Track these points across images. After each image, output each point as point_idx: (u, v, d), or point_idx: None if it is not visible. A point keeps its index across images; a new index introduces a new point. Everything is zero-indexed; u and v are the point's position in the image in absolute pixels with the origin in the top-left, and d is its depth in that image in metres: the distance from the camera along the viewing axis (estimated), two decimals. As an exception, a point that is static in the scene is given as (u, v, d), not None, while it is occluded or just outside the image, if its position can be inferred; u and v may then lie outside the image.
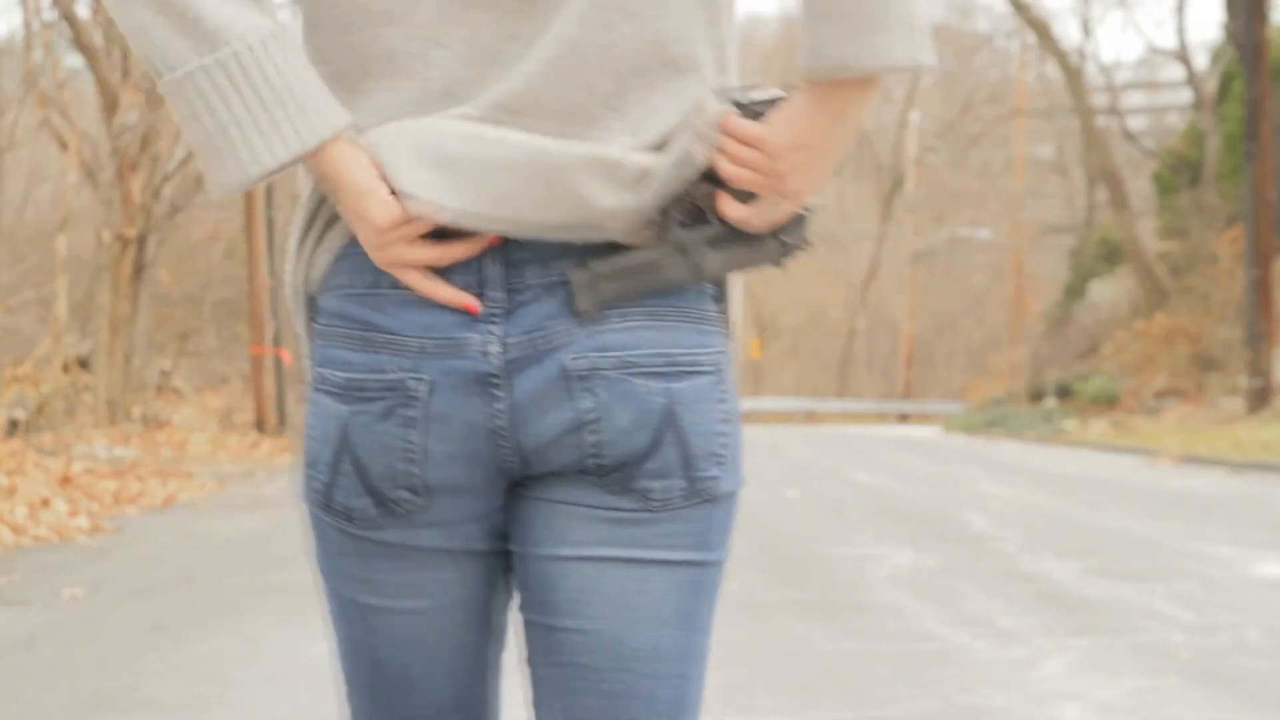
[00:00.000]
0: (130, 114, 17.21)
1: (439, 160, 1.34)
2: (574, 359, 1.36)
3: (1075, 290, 33.67)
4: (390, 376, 1.38)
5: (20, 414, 14.25)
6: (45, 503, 9.12)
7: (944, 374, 52.66)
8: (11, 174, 19.33)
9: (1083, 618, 5.89)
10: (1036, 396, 29.69)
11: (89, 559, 7.61)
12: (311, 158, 1.34)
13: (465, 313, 1.37)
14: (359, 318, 1.39)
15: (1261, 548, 8.34)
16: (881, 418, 45.99)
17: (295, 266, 1.45)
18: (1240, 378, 22.40)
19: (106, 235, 17.32)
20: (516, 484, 1.44)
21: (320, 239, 1.43)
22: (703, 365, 1.41)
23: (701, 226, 1.39)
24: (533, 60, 1.35)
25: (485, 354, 1.37)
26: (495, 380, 1.37)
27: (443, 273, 1.37)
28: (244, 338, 22.15)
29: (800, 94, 1.34)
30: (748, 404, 43.95)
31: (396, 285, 1.38)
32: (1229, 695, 4.55)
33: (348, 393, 1.40)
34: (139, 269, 18.02)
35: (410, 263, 1.35)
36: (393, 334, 1.38)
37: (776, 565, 7.43)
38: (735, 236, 1.41)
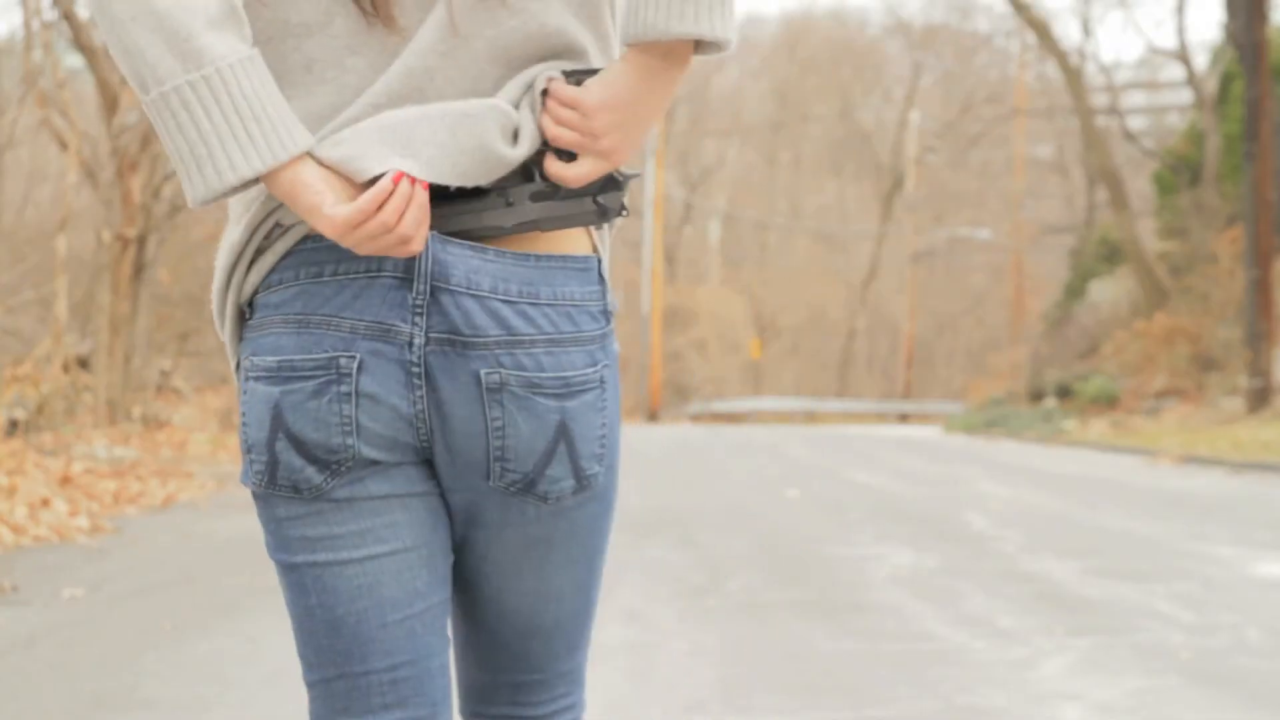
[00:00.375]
0: (130, 114, 17.21)
1: (386, 136, 1.51)
2: (488, 373, 1.56)
3: (1075, 290, 33.67)
4: (322, 355, 1.54)
5: (20, 414, 14.25)
6: (45, 503, 9.12)
7: (944, 374, 52.67)
8: (11, 174, 19.34)
9: (1083, 618, 5.89)
10: (1036, 396, 29.69)
11: (89, 559, 7.62)
12: (276, 174, 1.49)
13: (396, 303, 1.54)
14: (296, 306, 1.56)
15: (1261, 548, 8.34)
16: (881, 418, 45.98)
17: (224, 291, 1.65)
18: (1240, 378, 22.40)
19: (106, 235, 17.33)
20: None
21: (251, 264, 1.61)
22: (590, 383, 1.61)
23: (528, 183, 1.55)
24: (432, 55, 1.53)
25: (410, 343, 1.54)
26: (415, 368, 1.55)
27: (378, 266, 1.54)
28: (244, 338, 22.14)
29: (618, 61, 1.53)
30: (748, 404, 43.98)
31: (337, 274, 1.55)
32: (1229, 695, 4.55)
33: (278, 374, 1.56)
34: (139, 269, 18.01)
35: (353, 239, 1.50)
36: (328, 315, 1.55)
37: (776, 565, 7.44)
38: (555, 193, 1.56)
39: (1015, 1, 31.50)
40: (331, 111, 1.54)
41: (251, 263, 1.62)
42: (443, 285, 1.54)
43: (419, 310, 1.54)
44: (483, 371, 1.55)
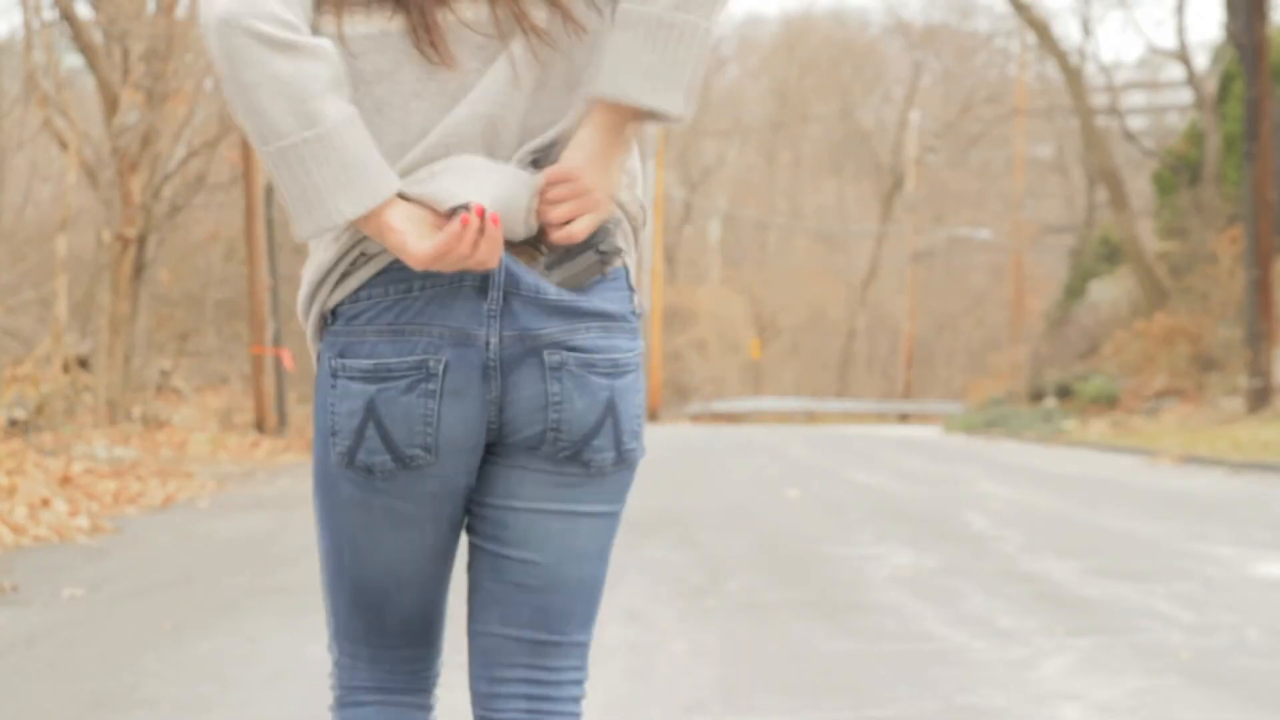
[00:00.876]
0: (130, 114, 17.21)
1: (472, 184, 1.78)
2: (549, 354, 1.83)
3: (1075, 290, 33.66)
4: (415, 358, 1.81)
5: (20, 414, 14.25)
6: (45, 503, 9.11)
7: (944, 374, 52.65)
8: (11, 174, 19.33)
9: (1083, 618, 5.89)
10: (1036, 396, 29.69)
11: (89, 559, 7.61)
12: (370, 214, 1.76)
13: (476, 312, 1.81)
14: (389, 318, 1.82)
15: (1261, 548, 8.34)
16: (881, 418, 45.97)
17: (309, 301, 1.89)
18: (1240, 378, 22.40)
19: (106, 235, 17.32)
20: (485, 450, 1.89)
21: (339, 282, 1.86)
22: (632, 365, 1.89)
23: (539, 257, 1.84)
24: (496, 102, 1.80)
25: (487, 345, 1.82)
26: (492, 365, 1.82)
27: (460, 278, 1.80)
28: (244, 338, 22.14)
29: (584, 123, 1.79)
30: (748, 404, 43.97)
31: (425, 287, 1.81)
32: (1229, 695, 4.55)
33: (374, 375, 1.83)
34: (139, 269, 18.01)
35: (437, 267, 1.76)
36: (419, 324, 1.81)
37: (776, 565, 7.43)
38: (564, 257, 1.83)
39: (1015, 1, 31.50)
40: (400, 150, 1.80)
41: (338, 282, 1.86)
42: (514, 292, 1.82)
43: (493, 315, 1.82)
44: (545, 353, 1.83)
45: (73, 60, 22.04)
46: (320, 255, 1.87)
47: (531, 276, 1.82)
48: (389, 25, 1.79)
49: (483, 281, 1.80)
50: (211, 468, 14.29)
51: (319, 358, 1.89)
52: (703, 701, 4.43)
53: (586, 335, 1.84)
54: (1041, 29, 31.75)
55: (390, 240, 1.76)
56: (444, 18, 1.78)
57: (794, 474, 14.82)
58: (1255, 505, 11.27)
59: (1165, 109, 42.22)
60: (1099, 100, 35.40)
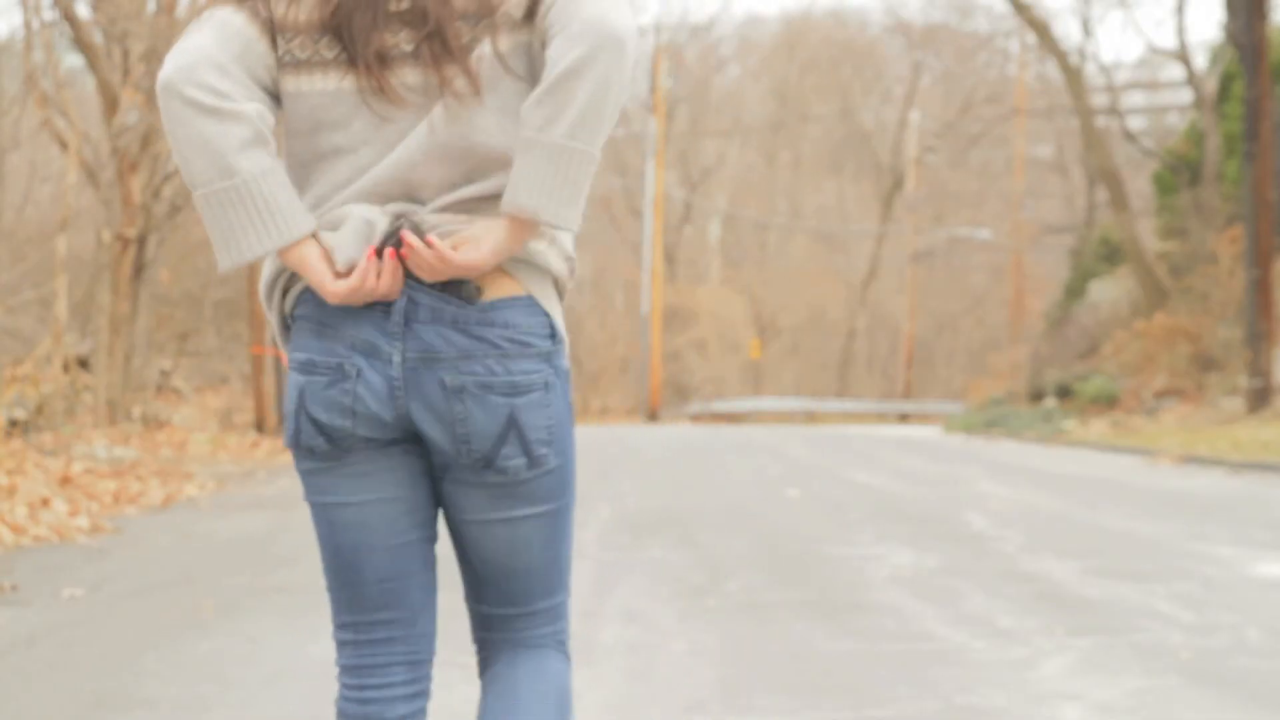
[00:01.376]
0: (130, 114, 17.21)
1: (359, 231, 2.15)
2: (450, 378, 2.15)
3: (1075, 290, 33.66)
4: (333, 360, 2.17)
5: (20, 414, 14.25)
6: (45, 503, 9.12)
7: (944, 374, 52.65)
8: (11, 174, 19.33)
9: (1083, 618, 5.89)
10: (1036, 396, 29.68)
11: (89, 559, 7.62)
12: (283, 252, 2.14)
13: (383, 328, 2.15)
14: (317, 318, 2.19)
15: (1261, 548, 8.34)
16: (881, 418, 45.96)
17: (268, 306, 2.27)
18: (1240, 378, 22.40)
19: (106, 235, 17.32)
20: (435, 472, 2.27)
21: (285, 292, 2.25)
22: (534, 385, 2.18)
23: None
24: (418, 152, 2.15)
25: (390, 360, 2.16)
26: (396, 380, 2.16)
27: (368, 307, 2.15)
28: (244, 338, 22.14)
29: (493, 222, 2.13)
30: (748, 404, 43.97)
31: (334, 309, 2.18)
32: (1229, 695, 4.55)
33: (304, 367, 2.19)
34: (139, 269, 18.01)
35: (349, 302, 2.16)
36: (336, 330, 2.17)
37: (776, 565, 7.43)
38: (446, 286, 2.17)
39: (1015, 2, 31.49)
40: (346, 183, 2.17)
41: (285, 290, 2.24)
42: (413, 319, 2.15)
43: (396, 336, 2.15)
44: (445, 378, 2.15)
45: (73, 60, 22.04)
46: (266, 269, 2.25)
47: (430, 307, 2.15)
48: (342, 84, 2.16)
49: (387, 307, 2.15)
50: (211, 468, 14.29)
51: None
52: (703, 701, 4.43)
53: (484, 361, 2.16)
54: (1041, 29, 31.75)
55: (309, 277, 2.15)
56: (387, 79, 2.14)
57: (794, 474, 14.82)
58: (1255, 505, 11.27)
59: (1165, 109, 42.22)
60: (1099, 100, 35.40)
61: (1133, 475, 14.94)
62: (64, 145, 16.63)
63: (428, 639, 2.33)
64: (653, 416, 41.81)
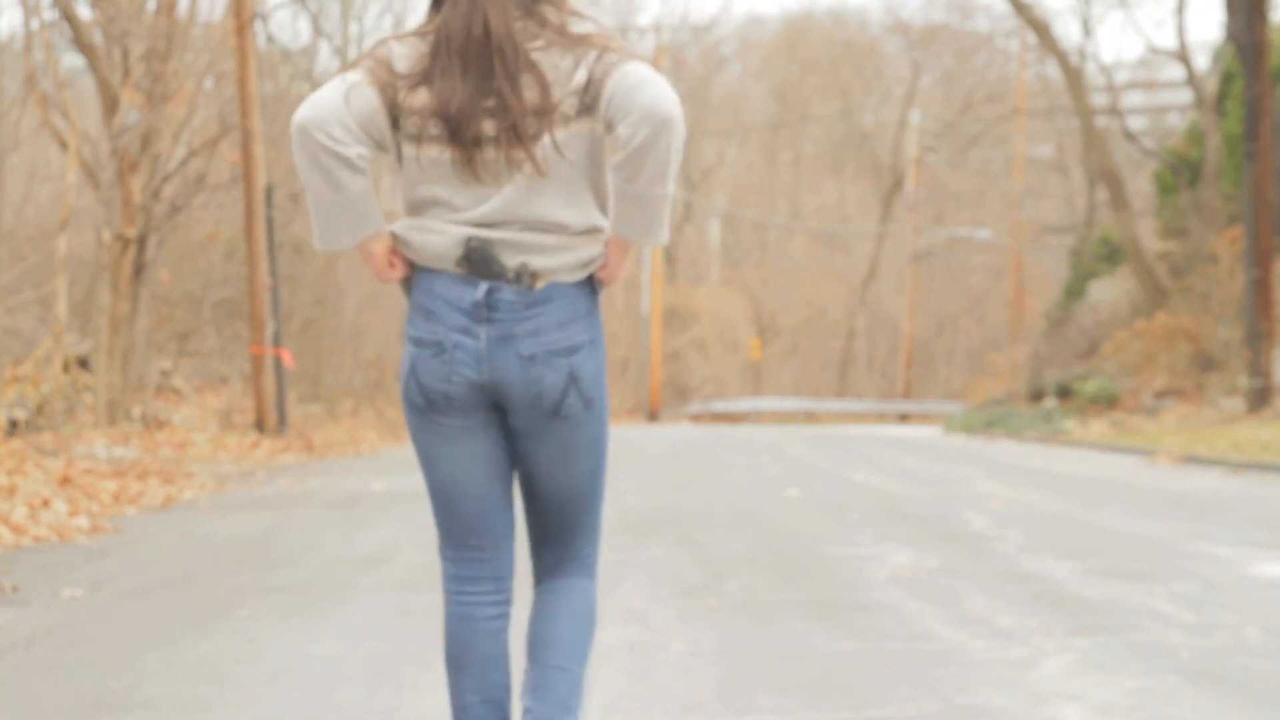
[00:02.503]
0: (130, 114, 17.20)
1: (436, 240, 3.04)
2: (524, 349, 2.96)
3: (1075, 290, 33.65)
4: (435, 337, 2.98)
5: (20, 414, 14.25)
6: (45, 503, 9.11)
7: (944, 374, 52.65)
8: (11, 174, 19.31)
9: (1083, 618, 5.89)
10: (1036, 396, 29.68)
11: (89, 559, 7.62)
12: (360, 244, 2.99)
13: (472, 315, 2.96)
14: (426, 306, 2.99)
15: (1261, 548, 8.34)
16: (881, 418, 45.95)
17: (406, 289, 3.08)
18: (1240, 378, 22.40)
19: (106, 235, 17.32)
20: (506, 418, 3.05)
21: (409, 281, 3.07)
22: (583, 343, 2.99)
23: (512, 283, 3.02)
24: (501, 202, 2.97)
25: (479, 339, 2.96)
26: (482, 352, 2.96)
27: (459, 298, 2.97)
28: (244, 338, 22.13)
29: (610, 246, 3.01)
30: (748, 404, 43.96)
31: (442, 295, 2.98)
32: (1229, 695, 4.55)
33: (416, 343, 3.00)
34: (139, 269, 18.00)
35: (391, 279, 3.07)
36: (440, 317, 2.97)
37: (776, 565, 7.43)
38: (519, 281, 2.99)
39: (1015, 1, 31.48)
40: (453, 214, 2.98)
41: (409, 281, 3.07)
42: (494, 308, 2.95)
43: (482, 320, 2.95)
44: (520, 349, 2.95)
45: (73, 60, 22.04)
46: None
47: (508, 299, 2.95)
48: (442, 155, 2.97)
49: (473, 303, 2.96)
50: (211, 468, 14.29)
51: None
52: (703, 701, 4.43)
53: (548, 330, 2.96)
54: (1042, 29, 31.74)
55: (371, 263, 3.03)
56: (476, 158, 2.95)
57: (794, 474, 14.82)
58: (1255, 505, 11.27)
59: (1165, 109, 42.23)
60: (1099, 100, 35.39)
61: (1133, 475, 14.94)
62: (64, 145, 16.63)
63: (509, 562, 3.11)
64: (653, 416, 41.80)
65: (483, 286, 2.94)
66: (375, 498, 11.48)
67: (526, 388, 2.94)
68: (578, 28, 2.96)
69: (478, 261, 2.94)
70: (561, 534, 3.12)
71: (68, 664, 4.96)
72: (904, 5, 77.53)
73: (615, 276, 3.02)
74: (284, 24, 47.84)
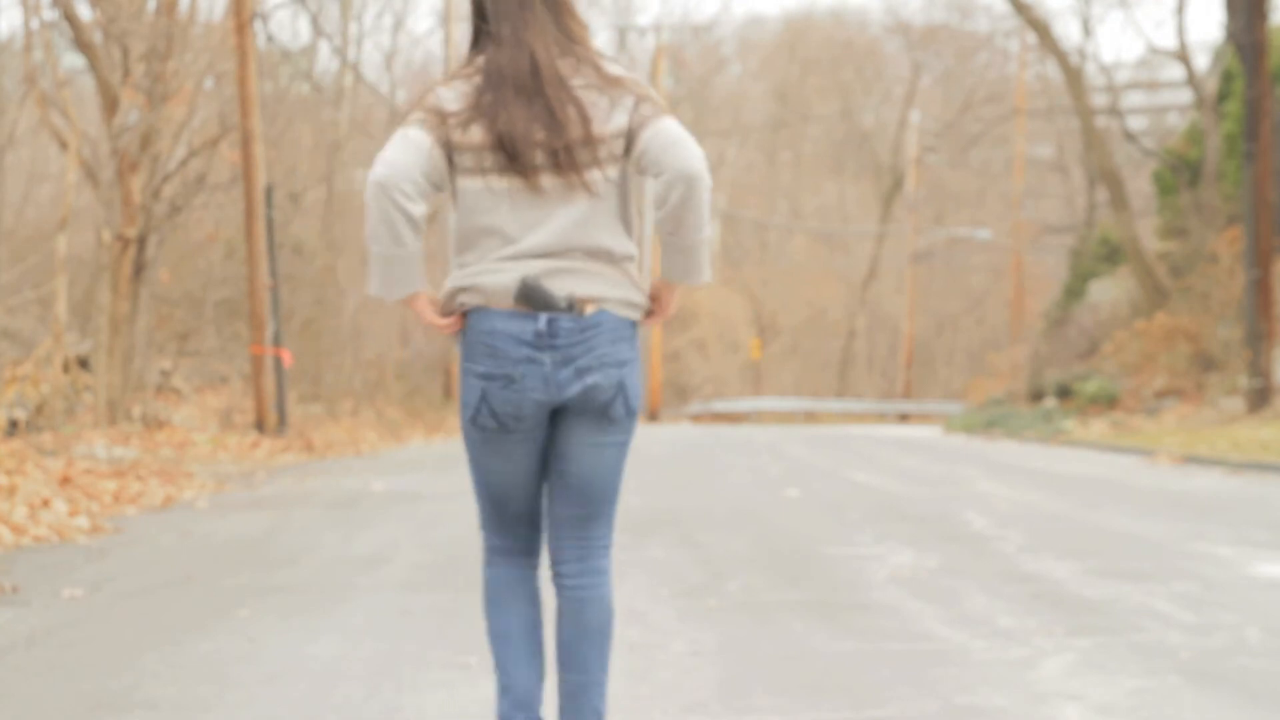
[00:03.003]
0: (130, 114, 17.20)
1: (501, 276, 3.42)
2: (583, 362, 3.34)
3: (1075, 290, 33.66)
4: (503, 371, 3.33)
5: (20, 414, 14.25)
6: (45, 503, 9.11)
7: (944, 374, 52.65)
8: (11, 174, 19.32)
9: (1083, 618, 5.89)
10: (1036, 396, 29.68)
11: (89, 559, 7.62)
12: (406, 301, 3.40)
13: (535, 345, 3.32)
14: (489, 343, 3.34)
15: (1261, 548, 8.34)
16: (881, 418, 45.95)
17: (444, 312, 3.44)
18: (1240, 378, 22.40)
19: (106, 235, 17.31)
20: (556, 421, 3.43)
21: (455, 310, 3.43)
22: (630, 360, 3.40)
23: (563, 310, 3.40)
24: (553, 229, 3.34)
25: (545, 364, 3.33)
26: (549, 376, 3.33)
27: (521, 331, 3.32)
28: (244, 338, 22.13)
29: (659, 285, 3.50)
30: (748, 404, 43.95)
31: (504, 331, 3.33)
32: (1229, 695, 4.55)
33: (484, 377, 3.35)
34: (139, 269, 18.00)
35: (443, 331, 3.46)
36: (505, 351, 3.33)
37: (776, 565, 7.43)
38: (570, 310, 3.38)
39: (1015, 1, 31.49)
40: (498, 249, 3.34)
41: (456, 310, 3.42)
42: (554, 335, 3.32)
43: (545, 348, 3.32)
44: (580, 363, 3.34)
45: (73, 60, 22.04)
46: (448, 283, 3.44)
47: (566, 325, 3.32)
48: (498, 184, 3.32)
49: (537, 336, 3.32)
50: (211, 468, 14.29)
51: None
52: (703, 701, 4.43)
53: (604, 349, 3.36)
54: (1042, 29, 31.74)
55: (419, 316, 3.46)
56: (538, 182, 3.31)
57: (794, 474, 14.82)
58: (1255, 505, 11.27)
59: (1165, 109, 42.23)
60: (1099, 100, 35.39)
61: (1133, 475, 14.94)
62: (64, 145, 16.63)
63: (536, 540, 3.60)
64: (653, 416, 41.80)
65: (543, 318, 3.30)
66: (375, 498, 11.48)
67: (584, 396, 3.35)
68: (611, 69, 3.36)
69: (534, 297, 3.29)
70: (586, 521, 3.49)
71: (68, 664, 4.96)
72: (904, 5, 77.59)
73: (668, 314, 3.52)
74: (284, 24, 47.79)
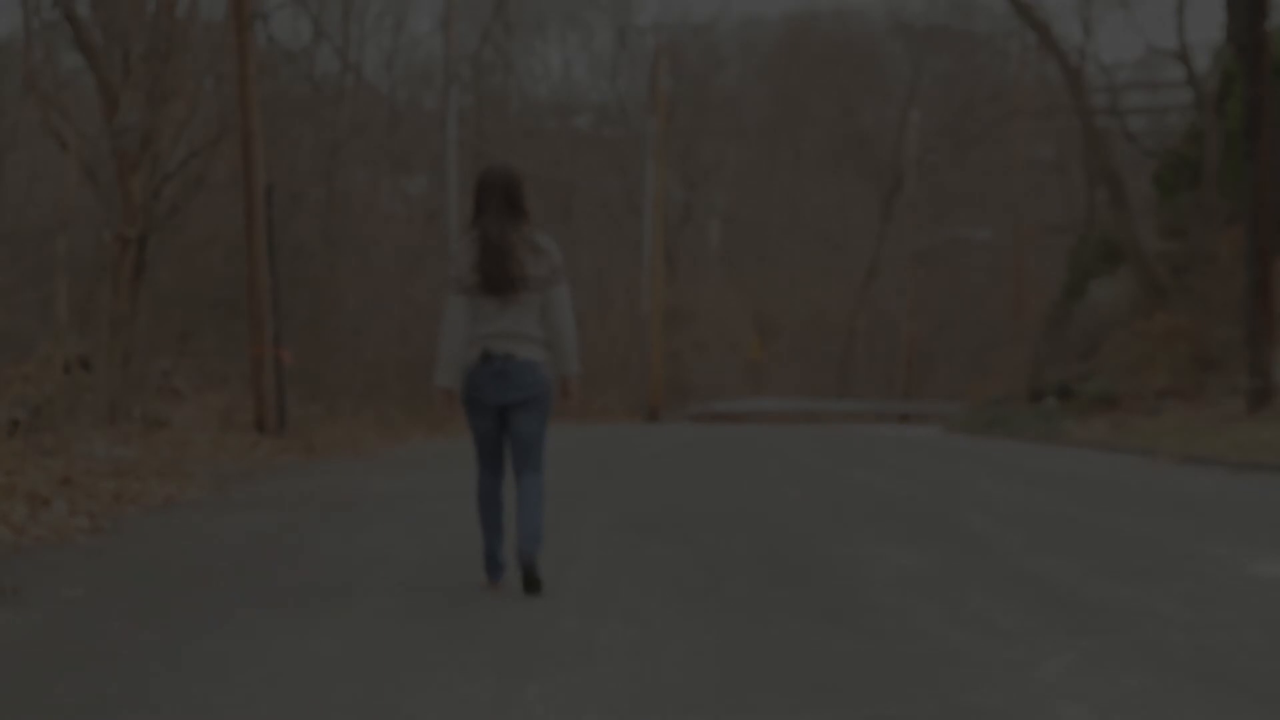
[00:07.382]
0: (130, 114, 17.20)
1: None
2: (517, 382, 6.49)
3: (1075, 290, 33.65)
4: (481, 394, 6.49)
5: (20, 414, 14.25)
6: (45, 503, 9.11)
7: (944, 374, 52.61)
8: (11, 174, 19.32)
9: (1083, 617, 5.89)
10: (1036, 396, 29.68)
11: (89, 559, 7.62)
12: (439, 389, 6.55)
13: (494, 383, 6.44)
14: (477, 383, 6.48)
15: (1261, 548, 8.34)
16: (881, 418, 45.94)
17: (462, 367, 6.64)
18: (1240, 378, 22.40)
19: (106, 235, 17.32)
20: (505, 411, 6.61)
21: (464, 372, 6.61)
22: (546, 378, 6.52)
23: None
24: (504, 322, 6.49)
25: (498, 387, 6.48)
26: (501, 396, 6.51)
27: (487, 371, 6.49)
28: (244, 338, 22.12)
29: (563, 380, 6.68)
30: (748, 404, 43.95)
31: (482, 372, 6.49)
32: (1229, 695, 4.55)
33: (470, 387, 6.50)
34: (139, 269, 18.00)
35: (449, 415, 6.73)
36: (482, 388, 6.48)
37: (776, 565, 7.44)
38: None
39: (1016, 2, 31.48)
40: (484, 334, 6.40)
41: (465, 372, 6.57)
42: (505, 375, 6.43)
43: (500, 384, 6.44)
44: (519, 389, 6.46)
45: (73, 60, 22.03)
46: (469, 356, 6.47)
47: (508, 366, 6.42)
48: (486, 301, 6.38)
49: (491, 378, 6.41)
50: (211, 468, 14.29)
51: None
52: (703, 701, 4.43)
53: (531, 379, 6.44)
54: (1042, 29, 31.74)
55: (441, 399, 6.49)
56: (510, 302, 6.39)
57: (794, 474, 14.82)
58: (1255, 505, 11.27)
59: (1165, 109, 42.22)
60: (1099, 100, 35.40)
61: (1133, 475, 14.95)
62: (64, 145, 16.63)
63: (501, 469, 6.56)
64: (653, 416, 41.79)
65: (497, 364, 6.36)
66: (375, 498, 11.48)
67: (520, 395, 6.41)
68: (539, 241, 6.41)
69: (489, 355, 6.36)
70: (528, 457, 6.46)
71: (68, 664, 4.96)
72: (905, 6, 77.51)
73: (575, 395, 6.64)
74: (284, 24, 47.79)
